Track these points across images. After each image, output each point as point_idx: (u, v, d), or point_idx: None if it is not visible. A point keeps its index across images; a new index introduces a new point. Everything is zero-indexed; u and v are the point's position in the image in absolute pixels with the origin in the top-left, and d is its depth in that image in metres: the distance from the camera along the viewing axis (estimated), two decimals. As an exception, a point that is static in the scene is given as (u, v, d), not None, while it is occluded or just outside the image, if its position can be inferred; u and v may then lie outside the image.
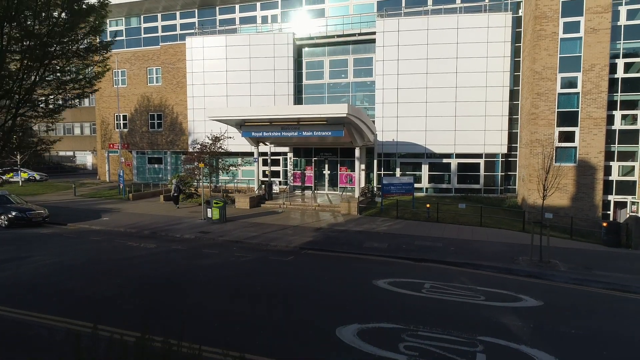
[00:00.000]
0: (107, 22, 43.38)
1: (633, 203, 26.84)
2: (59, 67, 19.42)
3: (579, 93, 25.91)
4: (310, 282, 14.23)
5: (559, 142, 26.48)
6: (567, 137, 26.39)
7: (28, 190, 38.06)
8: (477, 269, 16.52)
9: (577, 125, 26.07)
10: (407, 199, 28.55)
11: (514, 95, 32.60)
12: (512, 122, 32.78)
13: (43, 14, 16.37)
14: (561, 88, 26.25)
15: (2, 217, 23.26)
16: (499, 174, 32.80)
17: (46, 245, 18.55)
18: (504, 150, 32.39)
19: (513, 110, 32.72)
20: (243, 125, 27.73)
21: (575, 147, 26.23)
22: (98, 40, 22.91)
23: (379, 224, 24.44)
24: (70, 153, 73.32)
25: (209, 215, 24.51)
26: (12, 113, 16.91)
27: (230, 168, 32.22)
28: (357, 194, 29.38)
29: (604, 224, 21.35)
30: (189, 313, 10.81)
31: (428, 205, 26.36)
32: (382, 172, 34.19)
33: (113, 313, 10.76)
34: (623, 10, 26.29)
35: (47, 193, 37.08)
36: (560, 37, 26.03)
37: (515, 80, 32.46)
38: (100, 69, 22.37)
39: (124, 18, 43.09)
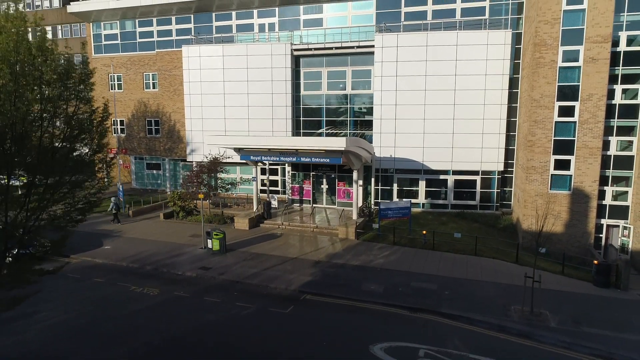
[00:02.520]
0: (102, 25, 42.78)
1: (625, 228, 27.37)
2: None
3: (575, 122, 26.05)
4: (309, 348, 14.78)
5: (554, 169, 26.82)
6: (563, 164, 26.65)
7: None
8: (471, 323, 17.13)
9: (572, 154, 26.31)
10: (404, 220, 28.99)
11: (512, 112, 32.65)
12: (509, 139, 32.95)
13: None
14: (558, 116, 26.34)
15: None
16: (495, 190, 33.19)
17: (50, 295, 18.94)
18: (501, 167, 32.67)
19: (510, 126, 32.83)
20: (242, 150, 27.84)
21: (571, 175, 26.54)
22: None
23: (376, 254, 24.95)
24: (66, 144, 73.05)
25: (209, 245, 24.93)
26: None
27: (229, 187, 32.42)
28: (354, 215, 29.81)
29: (595, 262, 21.89)
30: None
31: (424, 232, 26.84)
32: (379, 187, 34.52)
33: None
34: (623, 35, 26.12)
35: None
36: (559, 66, 25.95)
37: (513, 97, 32.44)
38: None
39: (118, 22, 42.34)
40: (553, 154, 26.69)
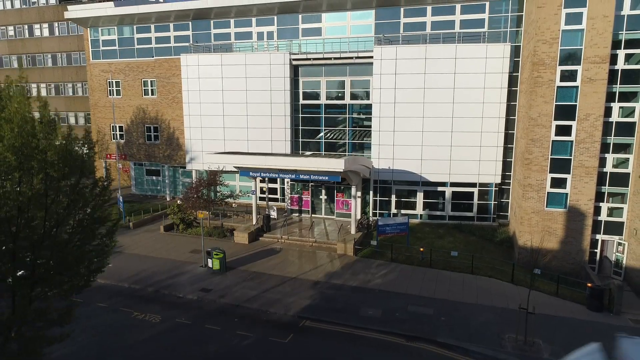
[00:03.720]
0: (100, 30, 42.58)
1: (619, 244, 27.76)
2: None
3: (572, 141, 26.23)
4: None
5: (550, 187, 27.12)
6: (559, 182, 26.90)
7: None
8: (466, 354, 17.58)
9: (569, 173, 26.55)
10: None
11: (509, 124, 32.79)
12: (507, 151, 33.14)
13: None
14: (555, 135, 26.51)
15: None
16: (492, 202, 33.50)
17: (56, 322, 19.32)
18: (498, 180, 32.94)
19: (508, 138, 33.00)
20: (241, 167, 28.05)
21: (567, 194, 26.81)
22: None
23: (374, 272, 25.34)
24: (65, 142, 72.98)
25: (210, 265, 25.29)
26: None
27: (228, 200, 32.67)
28: (353, 229, 30.13)
29: (589, 285, 22.32)
30: None
31: (422, 249, 27.24)
32: (378, 198, 34.81)
33: None
34: (621, 53, 26.17)
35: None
36: (557, 85, 26.04)
37: (511, 110, 32.56)
38: None
39: (116, 27, 42.11)
40: (550, 172, 26.93)
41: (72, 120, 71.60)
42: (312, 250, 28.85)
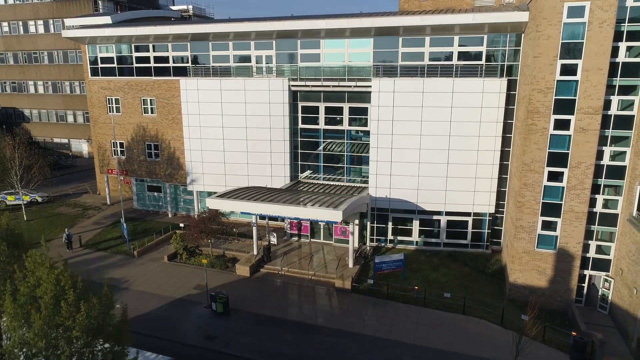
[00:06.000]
0: (98, 47, 42.50)
1: (606, 280, 28.94)
2: None
3: (564, 187, 27.04)
4: None
5: (541, 229, 28.09)
6: (550, 225, 27.83)
7: (25, 233, 38.97)
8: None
9: (559, 217, 27.45)
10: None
11: (504, 155, 33.47)
12: (502, 181, 33.91)
13: None
14: (548, 181, 27.29)
15: None
16: (486, 231, 34.56)
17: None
18: (492, 210, 33.88)
19: (503, 169, 33.73)
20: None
21: (557, 236, 27.82)
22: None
23: (371, 315, 26.61)
24: (65, 140, 73.40)
25: (214, 307, 26.45)
26: None
27: (229, 237, 33.76)
28: (350, 262, 31.25)
29: (573, 333, 23.62)
30: None
31: (416, 287, 28.44)
32: (375, 225, 35.79)
33: None
34: (615, 99, 26.64)
35: (47, 239, 38.21)
36: (550, 133, 26.62)
37: (507, 141, 33.17)
38: None
39: (114, 45, 41.98)
40: (541, 215, 27.84)
41: (70, 119, 71.89)
42: (311, 285, 30.00)
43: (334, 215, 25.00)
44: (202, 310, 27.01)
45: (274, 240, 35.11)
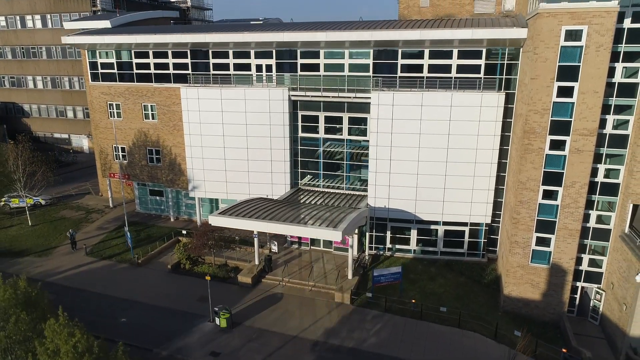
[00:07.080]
0: (97, 53, 42.55)
1: (598, 292, 29.81)
2: None
3: (558, 205, 27.66)
4: None
5: (535, 245, 28.83)
6: (544, 241, 28.57)
7: (30, 240, 39.32)
8: None
9: (553, 233, 28.15)
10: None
11: (501, 167, 33.98)
12: (498, 192, 34.50)
13: None
14: (542, 199, 27.90)
15: None
16: (482, 240, 35.31)
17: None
18: (488, 220, 34.57)
19: (499, 180, 34.29)
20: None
21: (550, 252, 28.56)
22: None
23: (369, 328, 27.55)
24: (65, 136, 73.67)
25: (217, 322, 27.35)
26: None
27: (232, 245, 34.48)
28: (350, 274, 32.06)
29: (564, 350, 24.58)
30: None
31: (414, 301, 29.32)
32: (374, 233, 36.51)
33: None
34: (610, 118, 27.06)
35: (52, 246, 38.41)
36: (546, 153, 27.09)
37: (504, 154, 33.65)
38: None
39: (114, 51, 42.00)
40: (535, 231, 28.54)
41: (70, 114, 72.01)
42: (311, 297, 30.85)
43: (334, 235, 25.72)
44: (206, 324, 27.91)
45: (275, 248, 35.90)
